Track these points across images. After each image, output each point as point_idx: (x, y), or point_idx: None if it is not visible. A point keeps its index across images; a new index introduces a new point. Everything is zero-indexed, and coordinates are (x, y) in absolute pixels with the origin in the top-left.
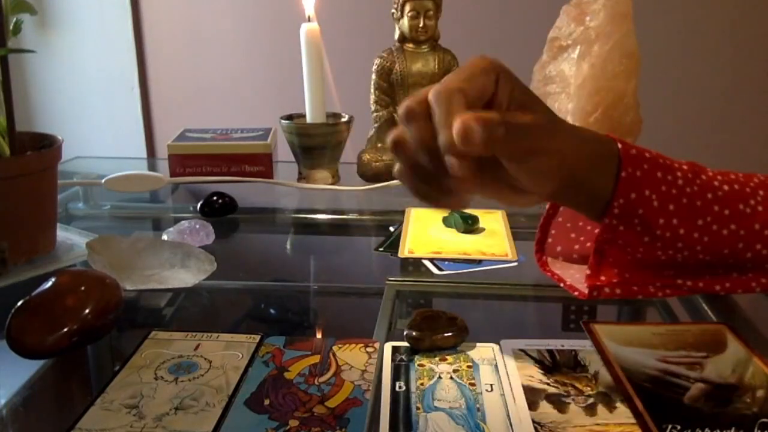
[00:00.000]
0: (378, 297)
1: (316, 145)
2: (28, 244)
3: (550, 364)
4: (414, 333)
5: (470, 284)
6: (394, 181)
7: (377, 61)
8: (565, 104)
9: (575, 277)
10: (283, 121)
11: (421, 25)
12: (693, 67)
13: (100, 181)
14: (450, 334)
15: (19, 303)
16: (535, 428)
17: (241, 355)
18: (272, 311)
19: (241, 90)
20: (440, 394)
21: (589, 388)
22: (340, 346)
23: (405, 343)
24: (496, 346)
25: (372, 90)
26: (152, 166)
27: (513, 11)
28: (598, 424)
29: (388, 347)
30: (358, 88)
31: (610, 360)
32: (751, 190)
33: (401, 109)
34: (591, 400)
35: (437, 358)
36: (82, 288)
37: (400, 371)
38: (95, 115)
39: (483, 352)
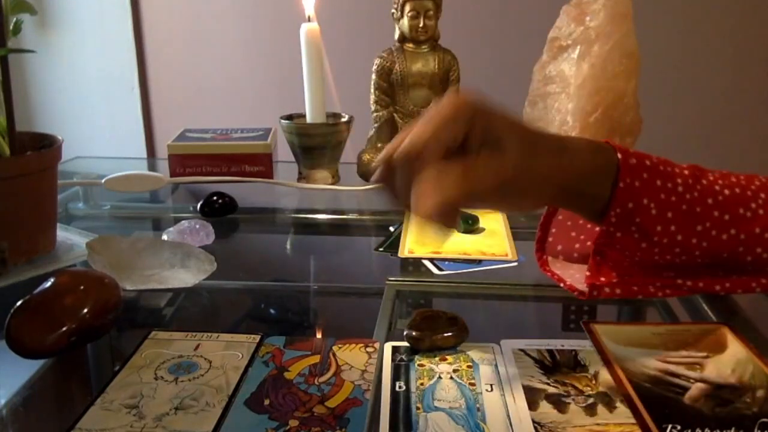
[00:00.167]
0: (378, 297)
1: (316, 145)
2: (28, 244)
3: (550, 364)
4: (414, 333)
5: (470, 284)
6: None
7: (377, 61)
8: (565, 104)
9: (575, 277)
10: (283, 121)
11: (421, 25)
12: (693, 67)
13: (100, 181)
14: (450, 334)
15: (19, 303)
16: (535, 428)
17: (241, 355)
18: (272, 311)
19: (241, 90)
20: (440, 394)
21: (589, 388)
22: (340, 346)
23: (405, 343)
24: (496, 346)
25: (372, 90)
26: (152, 166)
27: (513, 11)
28: (598, 424)
29: (388, 347)
30: (358, 88)
31: (610, 360)
32: (752, 193)
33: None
34: (591, 400)
35: (437, 358)
36: (81, 288)
37: (400, 371)
38: (95, 115)
39: (483, 352)
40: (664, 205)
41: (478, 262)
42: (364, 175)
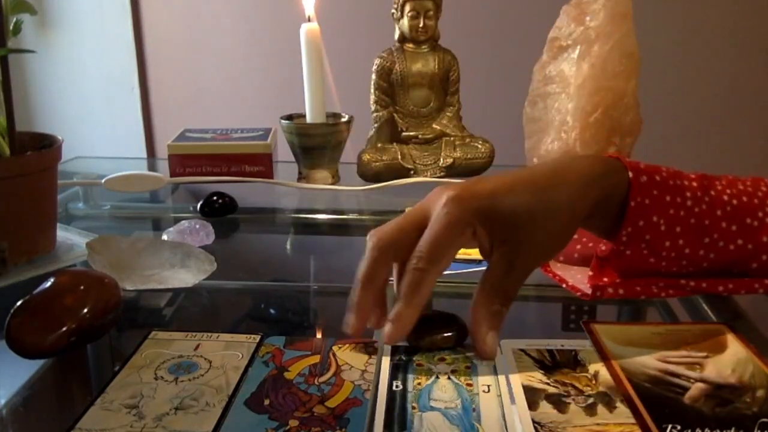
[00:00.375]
0: None
1: (316, 145)
2: (28, 244)
3: (550, 364)
4: (413, 333)
5: (470, 284)
6: (394, 181)
7: (377, 61)
8: (565, 104)
9: (577, 278)
10: (283, 121)
11: (421, 25)
12: (693, 67)
13: (100, 181)
14: (449, 334)
15: (19, 303)
16: (535, 428)
17: (241, 355)
18: (272, 311)
19: (241, 90)
20: (437, 394)
21: (589, 388)
22: (340, 346)
23: (404, 343)
24: None
25: (372, 90)
26: (152, 166)
27: (513, 11)
28: (598, 424)
29: (387, 347)
30: (358, 88)
31: (610, 360)
32: (759, 201)
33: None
34: (591, 400)
35: (436, 358)
36: (81, 288)
37: (398, 371)
38: (95, 115)
39: None
40: (673, 220)
41: (479, 262)
42: (364, 175)
